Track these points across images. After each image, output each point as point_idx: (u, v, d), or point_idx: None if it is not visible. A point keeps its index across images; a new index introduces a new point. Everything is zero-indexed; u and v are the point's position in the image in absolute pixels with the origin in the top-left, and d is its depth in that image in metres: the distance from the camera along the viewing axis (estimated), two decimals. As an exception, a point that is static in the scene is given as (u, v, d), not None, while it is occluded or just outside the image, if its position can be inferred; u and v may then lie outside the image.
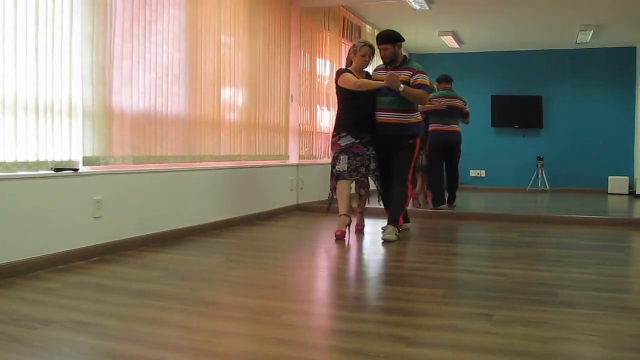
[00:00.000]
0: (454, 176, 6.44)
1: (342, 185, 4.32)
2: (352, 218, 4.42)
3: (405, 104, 4.30)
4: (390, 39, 4.34)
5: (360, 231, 4.58)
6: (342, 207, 4.30)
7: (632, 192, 8.77)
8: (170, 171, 4.20)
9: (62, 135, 3.25)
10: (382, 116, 4.34)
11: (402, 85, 4.15)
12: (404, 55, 4.48)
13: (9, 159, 2.93)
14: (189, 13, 4.36)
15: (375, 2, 6.85)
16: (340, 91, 4.35)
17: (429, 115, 6.17)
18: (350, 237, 4.36)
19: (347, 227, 4.32)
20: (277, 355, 1.90)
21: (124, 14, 3.66)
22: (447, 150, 6.27)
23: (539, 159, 9.36)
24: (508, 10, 7.16)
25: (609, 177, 9.00)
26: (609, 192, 8.94)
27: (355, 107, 4.32)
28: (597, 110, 9.34)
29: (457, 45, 9.24)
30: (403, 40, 4.38)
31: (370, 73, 4.57)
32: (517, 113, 9.67)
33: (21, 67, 2.96)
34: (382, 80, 4.19)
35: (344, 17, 7.10)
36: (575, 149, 9.42)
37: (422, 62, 10.75)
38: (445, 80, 6.45)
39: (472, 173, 9.89)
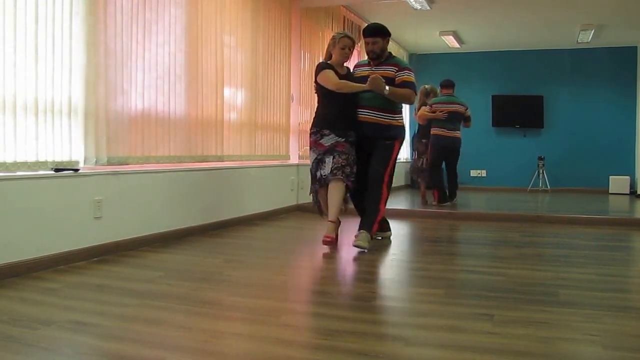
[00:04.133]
0: (454, 176, 6.70)
1: (334, 186, 3.87)
2: (340, 222, 4.06)
3: (388, 103, 3.95)
4: (380, 32, 4.01)
5: (331, 243, 3.88)
6: (332, 213, 3.89)
7: (633, 192, 8.76)
8: (171, 171, 4.20)
9: (62, 136, 3.25)
10: (362, 114, 3.97)
11: (387, 88, 3.80)
12: (389, 52, 4.11)
13: (9, 159, 2.93)
14: (189, 13, 4.35)
15: (376, 2, 6.85)
16: (320, 86, 3.97)
17: (431, 121, 6.49)
18: (339, 244, 3.99)
19: (336, 234, 3.96)
20: (277, 356, 1.90)
21: (124, 13, 3.66)
22: (448, 154, 6.53)
23: (540, 158, 9.36)
24: (509, 10, 7.16)
25: (610, 177, 9.00)
26: (610, 192, 8.93)
27: (338, 103, 3.93)
28: (598, 110, 9.33)
29: (457, 45, 9.24)
30: (390, 35, 4.08)
31: (351, 69, 4.19)
32: (518, 113, 9.67)
33: (21, 67, 2.96)
34: (364, 81, 3.83)
35: (344, 17, 7.09)
36: (576, 149, 9.41)
37: (422, 62, 10.80)
38: (447, 85, 6.58)
39: (473, 173, 9.88)
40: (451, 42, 8.98)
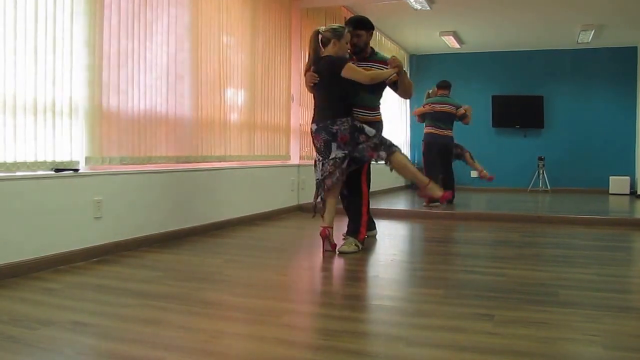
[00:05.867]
0: (449, 176, 6.79)
1: (331, 200, 3.79)
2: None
3: (368, 100, 3.89)
4: (365, 24, 3.93)
5: (334, 249, 3.77)
6: (331, 219, 3.79)
7: (633, 192, 8.76)
8: (171, 171, 4.20)
9: (62, 136, 3.24)
10: None
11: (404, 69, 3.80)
12: (371, 47, 4.00)
13: (9, 159, 2.93)
14: (189, 13, 4.35)
15: (376, 2, 6.85)
16: (341, 81, 3.67)
17: (424, 119, 6.82)
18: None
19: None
20: (278, 356, 1.90)
21: (124, 14, 3.66)
22: (439, 153, 6.68)
23: (540, 159, 9.36)
24: (509, 10, 7.16)
25: (610, 177, 8.99)
26: (610, 192, 8.93)
27: (352, 101, 3.82)
28: (598, 110, 9.34)
29: (457, 46, 9.24)
30: (374, 28, 4.00)
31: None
32: (518, 113, 9.67)
33: (21, 67, 2.96)
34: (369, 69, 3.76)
35: (344, 18, 7.09)
36: (576, 149, 9.41)
37: (423, 62, 10.82)
38: (442, 87, 6.84)
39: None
40: (451, 42, 8.98)
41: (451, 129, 6.72)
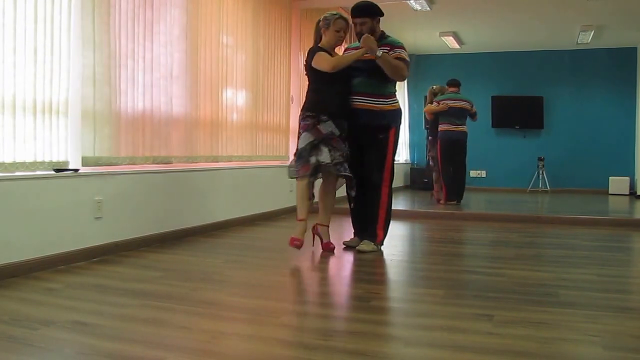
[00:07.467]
0: (462, 175, 6.89)
1: (330, 190, 3.75)
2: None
3: (378, 86, 3.71)
4: (368, 11, 3.71)
5: (332, 250, 3.76)
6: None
7: (632, 193, 8.77)
8: (171, 172, 4.20)
9: (61, 136, 3.24)
10: (352, 101, 3.73)
11: (380, 51, 3.52)
12: (382, 32, 3.80)
13: (8, 159, 2.93)
14: (190, 13, 4.35)
15: (376, 2, 6.85)
16: (315, 71, 3.64)
17: (438, 116, 6.85)
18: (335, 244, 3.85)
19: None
20: (277, 356, 1.90)
21: (125, 14, 3.66)
22: (455, 149, 6.74)
23: (540, 159, 9.37)
24: (509, 10, 7.17)
25: (610, 178, 9.01)
26: (609, 192, 8.94)
27: (336, 91, 3.67)
28: (598, 111, 9.35)
29: (457, 46, 9.25)
30: (382, 14, 3.75)
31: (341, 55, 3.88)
32: (518, 114, 9.69)
33: (20, 67, 2.96)
34: (358, 66, 3.63)
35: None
36: (576, 150, 9.42)
37: (423, 63, 10.81)
38: (454, 84, 6.96)
39: (473, 173, 9.88)
40: (451, 42, 8.99)
41: (465, 124, 6.80)
